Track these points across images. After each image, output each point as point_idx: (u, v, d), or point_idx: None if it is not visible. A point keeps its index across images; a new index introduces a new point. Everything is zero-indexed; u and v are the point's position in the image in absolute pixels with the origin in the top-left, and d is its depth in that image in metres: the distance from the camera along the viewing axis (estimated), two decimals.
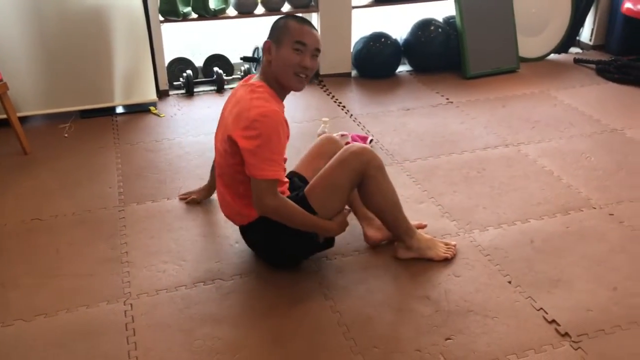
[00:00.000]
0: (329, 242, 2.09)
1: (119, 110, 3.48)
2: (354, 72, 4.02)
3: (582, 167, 2.84)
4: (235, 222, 2.14)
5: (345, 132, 3.01)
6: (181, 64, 3.84)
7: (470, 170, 2.82)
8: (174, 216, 2.47)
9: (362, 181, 2.01)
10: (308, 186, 2.03)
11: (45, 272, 2.13)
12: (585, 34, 4.44)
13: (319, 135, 2.84)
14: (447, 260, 2.15)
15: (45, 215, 2.48)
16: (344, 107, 3.54)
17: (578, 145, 3.04)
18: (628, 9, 3.93)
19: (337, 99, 3.64)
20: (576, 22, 4.31)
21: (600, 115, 3.38)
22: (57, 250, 2.25)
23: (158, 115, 3.42)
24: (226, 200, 2.08)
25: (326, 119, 2.83)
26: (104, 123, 3.35)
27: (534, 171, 2.81)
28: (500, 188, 2.67)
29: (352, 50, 3.95)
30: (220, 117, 2.10)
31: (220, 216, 2.45)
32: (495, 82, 3.88)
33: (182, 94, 3.72)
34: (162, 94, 3.63)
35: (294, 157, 2.92)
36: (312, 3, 3.78)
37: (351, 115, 3.43)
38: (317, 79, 3.92)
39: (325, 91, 3.77)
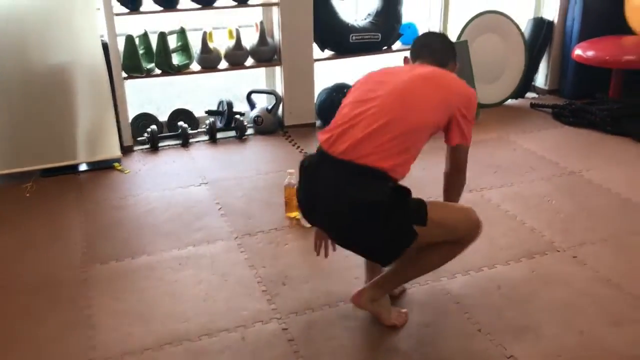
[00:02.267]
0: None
1: (82, 167, 3.44)
2: (318, 122, 4.07)
3: (544, 210, 2.90)
4: (351, 157, 1.81)
5: None
6: (145, 119, 3.83)
7: None
8: (140, 276, 2.42)
9: (450, 240, 1.95)
10: (432, 201, 1.95)
11: (6, 339, 2.05)
12: (540, 80, 4.61)
13: (285, 186, 2.86)
14: (394, 327, 2.07)
15: (6, 279, 2.41)
16: None
17: (539, 189, 3.12)
18: (578, 55, 4.10)
19: (302, 149, 3.67)
20: (530, 68, 4.47)
21: (558, 158, 3.48)
22: (19, 316, 2.18)
23: (122, 172, 3.39)
24: (380, 142, 1.82)
25: (292, 171, 2.84)
26: (66, 181, 3.30)
27: (498, 216, 2.86)
28: None
29: (315, 101, 4.01)
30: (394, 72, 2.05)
31: (187, 273, 2.42)
32: None
33: (146, 149, 3.70)
34: (126, 150, 3.60)
35: (263, 208, 2.93)
36: (275, 57, 3.85)
37: None
38: (282, 130, 3.96)
39: (290, 142, 3.80)
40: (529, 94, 4.60)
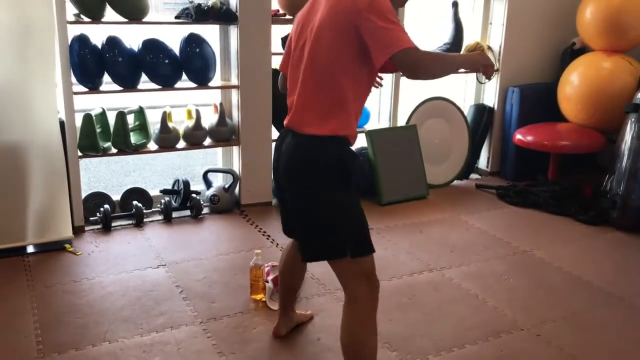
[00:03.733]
0: (370, 249, 2.00)
1: (30, 249, 3.27)
2: (274, 201, 4.08)
3: (503, 288, 2.99)
4: (299, 129, 1.98)
5: (276, 263, 3.00)
6: (97, 198, 3.72)
7: (401, 297, 2.87)
8: None
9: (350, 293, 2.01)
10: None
11: None
12: (483, 162, 4.86)
13: (252, 267, 2.82)
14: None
15: None
16: (269, 236, 3.55)
17: (495, 268, 3.22)
18: (519, 139, 4.38)
19: (261, 229, 3.66)
20: (474, 151, 4.71)
21: (509, 237, 3.62)
22: None
23: (74, 253, 3.25)
24: (309, 104, 1.95)
25: (259, 251, 2.82)
26: (13, 264, 3.11)
27: (460, 295, 2.91)
28: (432, 314, 2.73)
29: (272, 179, 4.03)
30: (310, 13, 1.98)
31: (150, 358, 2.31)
32: (408, 208, 4.09)
33: (98, 229, 3.57)
34: (77, 230, 3.46)
35: (227, 290, 2.86)
36: (234, 137, 3.88)
37: (277, 244, 3.44)
38: (239, 209, 3.94)
39: (248, 221, 3.78)
40: (473, 175, 4.82)
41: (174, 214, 3.80)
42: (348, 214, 1.97)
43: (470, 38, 4.58)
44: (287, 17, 3.83)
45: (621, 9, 4.14)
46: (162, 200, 3.76)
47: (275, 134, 4.00)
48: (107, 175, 5.04)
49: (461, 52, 4.45)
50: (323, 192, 1.94)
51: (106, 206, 3.60)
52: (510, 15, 4.47)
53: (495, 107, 4.67)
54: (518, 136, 4.39)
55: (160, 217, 3.77)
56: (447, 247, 3.47)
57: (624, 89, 4.08)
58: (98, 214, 3.58)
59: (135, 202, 3.70)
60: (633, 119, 3.76)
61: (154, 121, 3.75)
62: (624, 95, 4.01)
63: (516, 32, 4.54)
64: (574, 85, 4.32)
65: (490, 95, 4.71)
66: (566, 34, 4.65)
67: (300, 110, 1.99)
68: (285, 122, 2.07)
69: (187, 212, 3.85)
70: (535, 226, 3.84)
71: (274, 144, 3.91)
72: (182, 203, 3.84)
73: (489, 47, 4.61)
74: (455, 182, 4.64)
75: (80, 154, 3.45)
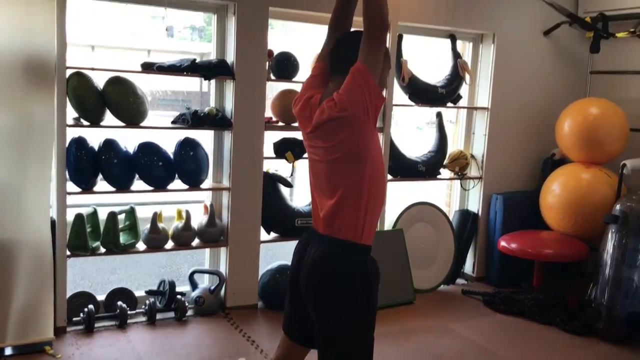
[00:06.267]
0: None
1: (8, 351, 3.18)
2: (260, 304, 4.06)
3: None
4: (320, 228, 2.05)
5: None
6: (82, 298, 3.67)
7: None
8: None
9: None
10: None
11: None
12: (468, 267, 4.90)
13: None
14: None
15: None
16: (253, 341, 3.49)
17: None
18: (503, 246, 4.45)
19: (245, 333, 3.60)
20: (459, 256, 4.76)
21: (495, 347, 3.60)
22: None
23: (54, 356, 3.16)
24: (337, 212, 2.00)
25: (242, 359, 2.78)
26: None
27: None
28: None
29: (259, 282, 4.03)
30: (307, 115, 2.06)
31: None
32: (395, 313, 4.06)
33: (81, 330, 3.51)
34: (59, 331, 3.39)
35: None
36: (222, 238, 3.91)
37: (262, 350, 3.38)
38: (224, 312, 3.90)
39: (232, 324, 3.73)
40: (459, 280, 4.84)
41: (158, 315, 3.75)
42: (369, 337, 2.02)
43: (453, 147, 4.77)
44: (280, 124, 3.98)
45: (596, 124, 4.37)
46: (147, 301, 3.72)
47: (264, 235, 4.05)
48: (93, 273, 5.00)
49: (445, 160, 4.62)
50: (351, 311, 1.97)
51: (90, 306, 3.55)
52: (492, 127, 4.69)
53: (480, 213, 4.78)
54: (502, 243, 4.46)
55: (144, 319, 3.71)
56: (433, 357, 3.44)
57: (604, 200, 4.21)
58: (82, 314, 3.53)
59: (119, 303, 3.65)
60: (613, 230, 3.86)
61: (143, 217, 3.78)
62: (604, 206, 4.12)
63: (498, 142, 4.73)
64: (556, 194, 4.45)
65: (475, 201, 4.83)
66: (546, 145, 4.85)
67: (322, 214, 2.04)
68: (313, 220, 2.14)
69: (172, 314, 3.80)
70: (521, 336, 3.83)
71: (262, 246, 4.00)
72: (167, 304, 3.80)
73: (472, 156, 4.79)
74: (442, 287, 4.65)
75: (68, 253, 3.45)
